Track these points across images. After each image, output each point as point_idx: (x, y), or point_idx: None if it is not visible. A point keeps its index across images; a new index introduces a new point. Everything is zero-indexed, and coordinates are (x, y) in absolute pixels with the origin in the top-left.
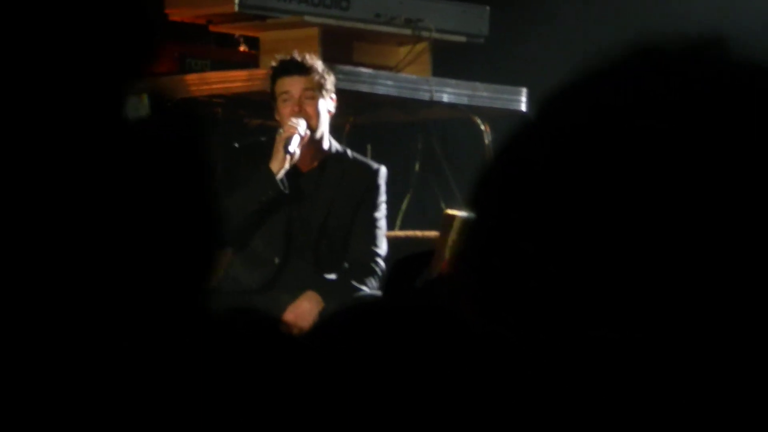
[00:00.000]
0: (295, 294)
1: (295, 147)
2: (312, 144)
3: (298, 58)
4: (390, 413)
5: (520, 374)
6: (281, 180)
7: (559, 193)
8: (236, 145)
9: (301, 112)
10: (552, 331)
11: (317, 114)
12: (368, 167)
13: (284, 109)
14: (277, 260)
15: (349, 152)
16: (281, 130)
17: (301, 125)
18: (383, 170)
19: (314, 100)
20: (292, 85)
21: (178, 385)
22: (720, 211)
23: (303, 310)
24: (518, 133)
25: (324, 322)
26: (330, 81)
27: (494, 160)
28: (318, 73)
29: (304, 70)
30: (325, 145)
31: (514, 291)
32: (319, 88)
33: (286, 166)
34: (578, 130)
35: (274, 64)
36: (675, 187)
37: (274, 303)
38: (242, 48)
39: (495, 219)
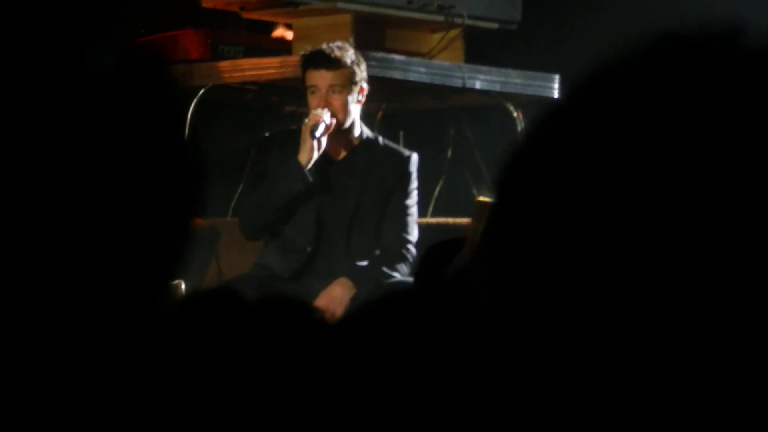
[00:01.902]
0: (326, 281)
1: (321, 133)
2: (341, 134)
3: (327, 51)
4: (419, 401)
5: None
6: (310, 171)
7: (584, 181)
8: (267, 133)
9: (327, 106)
10: (558, 318)
11: (343, 108)
12: (400, 154)
13: (311, 101)
14: (309, 249)
15: (380, 139)
16: (306, 120)
17: (326, 114)
18: (414, 157)
19: (341, 94)
20: (319, 79)
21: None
22: (741, 202)
23: (335, 296)
24: (547, 120)
25: (356, 309)
26: (361, 71)
27: (522, 146)
28: (347, 66)
29: (332, 64)
30: (356, 133)
31: (532, 277)
32: (346, 83)
33: (315, 156)
34: (607, 118)
35: (303, 53)
36: (701, 177)
37: (305, 290)
38: (279, 31)
39: (519, 204)
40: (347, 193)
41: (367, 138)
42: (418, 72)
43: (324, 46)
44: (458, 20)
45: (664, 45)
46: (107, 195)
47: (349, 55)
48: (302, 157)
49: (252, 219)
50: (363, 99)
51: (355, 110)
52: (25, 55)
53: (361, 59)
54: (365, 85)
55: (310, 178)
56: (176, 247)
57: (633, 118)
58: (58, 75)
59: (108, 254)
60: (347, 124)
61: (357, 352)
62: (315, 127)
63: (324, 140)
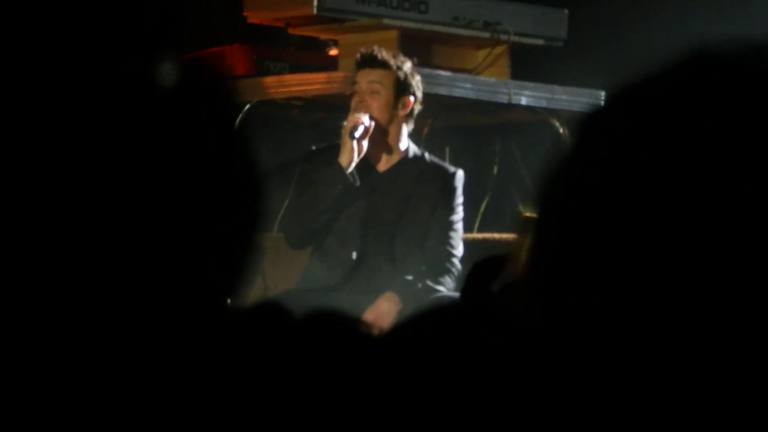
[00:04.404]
0: (370, 293)
1: (359, 134)
2: (385, 143)
3: (373, 52)
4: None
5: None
6: (352, 174)
7: (630, 195)
8: (313, 148)
9: (363, 104)
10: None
11: (380, 109)
12: (445, 170)
13: (353, 100)
14: (354, 255)
15: (426, 155)
16: (345, 123)
17: (365, 117)
18: (460, 173)
19: (378, 94)
20: (361, 77)
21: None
22: None
23: (382, 311)
24: (593, 135)
25: (403, 323)
26: (409, 81)
27: (567, 161)
28: (390, 68)
29: (375, 63)
30: (402, 147)
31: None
32: (387, 85)
33: (355, 158)
34: (651, 133)
35: (357, 57)
36: (745, 189)
37: (349, 303)
38: (333, 51)
39: (564, 220)
40: (391, 204)
41: (414, 152)
42: (463, 88)
43: (375, 47)
44: (504, 37)
45: (706, 60)
46: (155, 211)
47: (398, 61)
48: (342, 160)
49: (295, 225)
50: (407, 112)
51: (396, 118)
52: (76, 70)
53: (415, 73)
54: (412, 99)
55: (351, 180)
56: (229, 264)
57: (674, 132)
58: (107, 91)
59: (156, 273)
60: (382, 124)
61: (405, 367)
62: (354, 128)
63: (365, 144)
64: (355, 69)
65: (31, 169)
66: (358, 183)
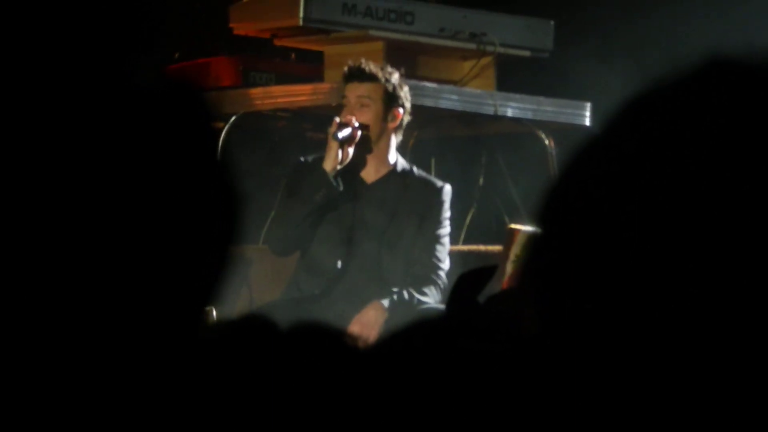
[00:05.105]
0: (356, 304)
1: (343, 136)
2: (374, 155)
3: (361, 65)
4: (450, 427)
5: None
6: (336, 179)
7: (622, 209)
8: (301, 158)
9: (354, 117)
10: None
11: (367, 121)
12: (433, 184)
13: (342, 112)
14: (339, 264)
15: (415, 169)
16: (329, 128)
17: (352, 119)
18: (448, 187)
19: (369, 108)
20: (350, 91)
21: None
22: None
23: (369, 320)
24: (583, 148)
25: (390, 335)
26: (398, 94)
27: (559, 174)
28: (379, 81)
29: (364, 77)
30: (391, 159)
31: (572, 306)
32: (377, 98)
33: (339, 163)
34: (643, 146)
35: (344, 70)
36: (741, 207)
37: (335, 313)
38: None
39: (558, 234)
40: (378, 215)
41: (402, 166)
42: (449, 99)
43: (363, 60)
44: (490, 48)
45: (698, 73)
46: (138, 221)
47: (386, 73)
48: (326, 164)
49: (277, 230)
50: (397, 124)
51: (386, 131)
52: (63, 81)
53: (403, 85)
54: (401, 111)
55: (334, 184)
56: (210, 274)
57: (668, 144)
58: (93, 102)
59: (140, 282)
60: (372, 137)
61: (391, 379)
62: (338, 129)
63: (351, 151)
64: (343, 82)
65: (14, 180)
66: (341, 188)
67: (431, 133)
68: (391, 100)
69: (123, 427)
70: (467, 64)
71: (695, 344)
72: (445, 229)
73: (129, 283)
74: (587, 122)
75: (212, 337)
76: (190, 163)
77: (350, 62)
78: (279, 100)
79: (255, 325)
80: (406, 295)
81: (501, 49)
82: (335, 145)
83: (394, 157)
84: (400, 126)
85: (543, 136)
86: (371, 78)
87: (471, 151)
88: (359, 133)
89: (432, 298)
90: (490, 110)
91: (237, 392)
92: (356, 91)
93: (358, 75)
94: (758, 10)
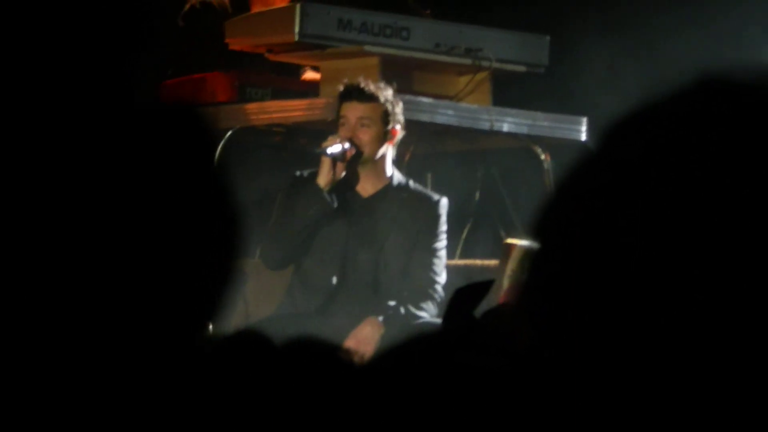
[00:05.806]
0: (351, 319)
1: (336, 152)
2: (371, 170)
3: (361, 85)
4: None
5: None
6: (330, 194)
7: (618, 223)
8: (297, 173)
9: (353, 138)
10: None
11: (370, 142)
12: (429, 198)
13: (340, 132)
14: (334, 280)
15: (411, 183)
16: (323, 144)
17: (344, 139)
18: (444, 201)
19: (369, 128)
20: (349, 110)
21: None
22: None
23: (365, 336)
24: (579, 164)
25: (386, 350)
26: (395, 112)
27: (555, 189)
28: (379, 102)
29: (363, 97)
30: (387, 174)
31: (568, 320)
32: (377, 118)
33: (332, 179)
34: (638, 160)
35: (340, 88)
36: (738, 222)
37: (330, 328)
38: (309, 74)
39: (554, 248)
40: (374, 230)
41: (398, 180)
42: (445, 114)
43: (361, 79)
44: (486, 63)
45: (694, 90)
46: (135, 236)
47: (385, 93)
48: (320, 180)
49: (272, 245)
50: (394, 140)
51: (384, 149)
52: (58, 96)
53: (398, 102)
54: (398, 128)
55: (328, 200)
56: (207, 289)
57: (664, 159)
58: (87, 117)
59: (138, 296)
60: (372, 157)
61: (387, 393)
62: (328, 146)
63: (343, 167)
64: (340, 100)
65: (13, 191)
66: (335, 204)
67: (427, 148)
68: (389, 118)
69: None
70: (463, 80)
71: (692, 358)
72: (442, 243)
73: (127, 299)
74: (583, 137)
75: (208, 352)
76: (186, 178)
77: (347, 80)
78: (274, 115)
79: (251, 340)
80: (402, 309)
81: (496, 65)
82: (328, 161)
83: (390, 171)
84: (396, 142)
85: (539, 150)
86: (371, 98)
87: (467, 165)
88: (355, 151)
89: (428, 313)
90: (486, 125)
91: (233, 407)
92: (356, 111)
93: (357, 95)
94: (747, 23)
